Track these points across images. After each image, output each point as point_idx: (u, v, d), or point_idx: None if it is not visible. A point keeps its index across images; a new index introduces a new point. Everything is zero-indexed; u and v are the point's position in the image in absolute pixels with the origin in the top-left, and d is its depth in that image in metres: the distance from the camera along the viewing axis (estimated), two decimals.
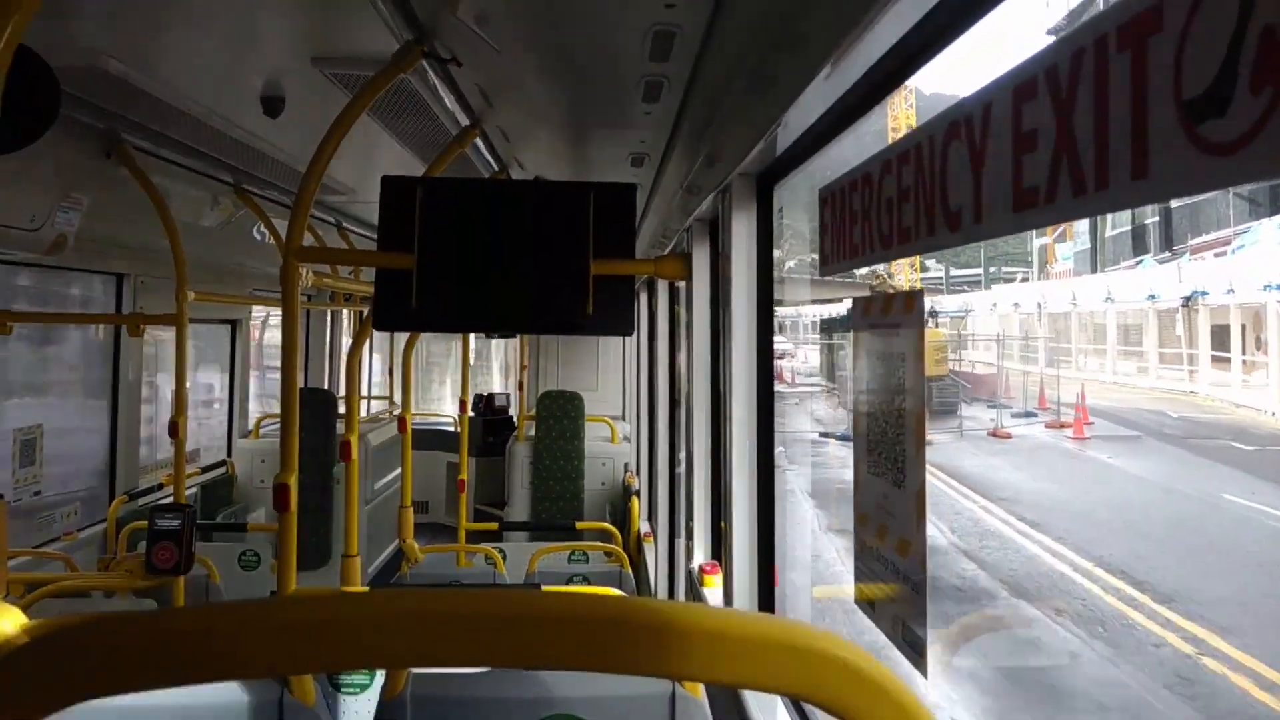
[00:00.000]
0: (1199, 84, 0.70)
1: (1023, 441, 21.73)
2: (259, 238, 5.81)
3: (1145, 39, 0.76)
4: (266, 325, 9.91)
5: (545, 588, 2.94)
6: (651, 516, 6.69)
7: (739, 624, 0.60)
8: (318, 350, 9.15)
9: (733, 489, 2.77)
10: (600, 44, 2.15)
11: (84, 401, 5.69)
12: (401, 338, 7.55)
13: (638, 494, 7.27)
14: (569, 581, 5.31)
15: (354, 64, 2.81)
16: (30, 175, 3.52)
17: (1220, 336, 24.16)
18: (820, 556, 13.04)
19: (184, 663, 0.55)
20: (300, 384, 2.82)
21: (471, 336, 7.57)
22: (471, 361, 7.18)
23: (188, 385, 4.47)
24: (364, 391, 10.44)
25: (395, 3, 2.14)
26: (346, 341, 9.69)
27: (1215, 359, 24.51)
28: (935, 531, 13.24)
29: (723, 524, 2.91)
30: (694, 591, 3.71)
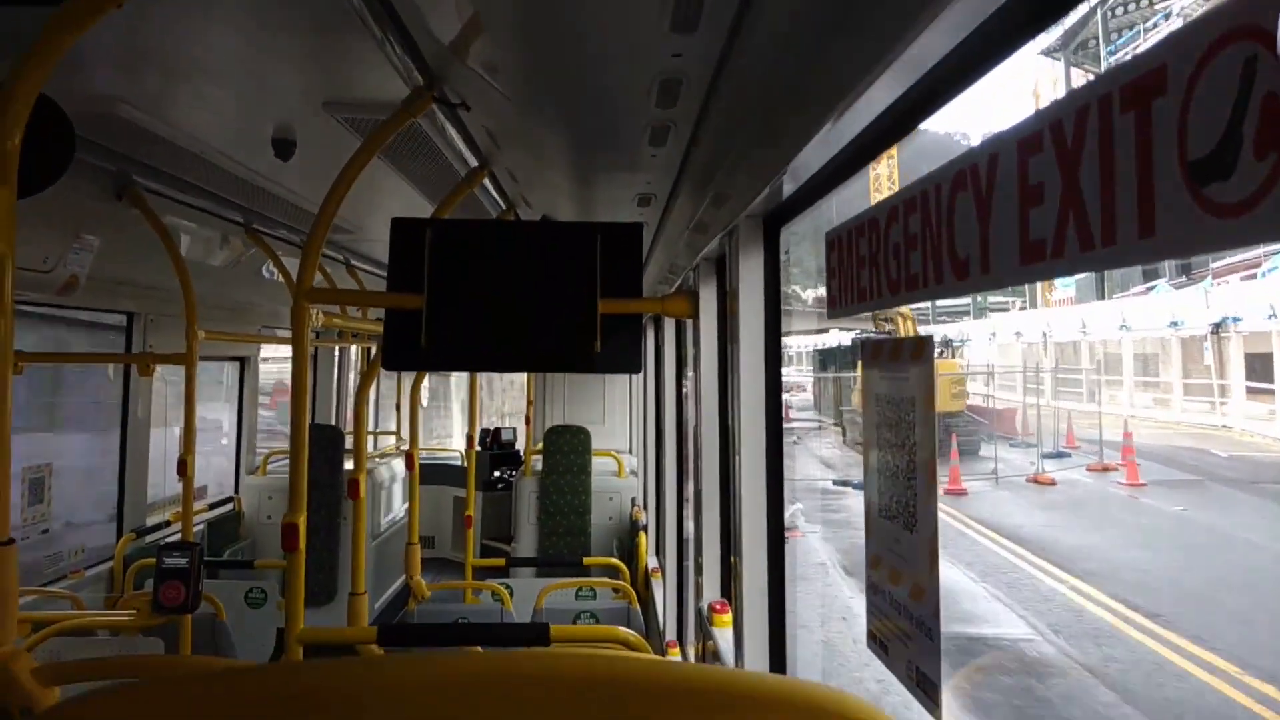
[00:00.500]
0: (1204, 147, 0.71)
1: (1070, 489, 19.06)
2: (268, 275, 5.86)
3: (1150, 100, 0.78)
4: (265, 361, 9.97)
5: (553, 626, 2.93)
6: (659, 552, 6.66)
7: (750, 685, 0.61)
8: (325, 387, 9.18)
9: (743, 526, 2.76)
10: (607, 90, 2.18)
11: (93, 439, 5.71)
12: (409, 374, 7.57)
13: (645, 529, 7.24)
14: (576, 619, 5.27)
15: (365, 109, 2.85)
16: (43, 217, 3.56)
17: (1256, 365, 22.04)
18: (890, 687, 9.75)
19: None
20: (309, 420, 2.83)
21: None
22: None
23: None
24: (371, 427, 10.45)
25: (406, 50, 2.18)
26: (353, 377, 9.72)
27: (1251, 390, 22.44)
28: (1028, 630, 10.48)
29: (733, 559, 2.90)
30: (704, 630, 3.68)
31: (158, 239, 3.97)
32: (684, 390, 5.85)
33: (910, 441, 1.47)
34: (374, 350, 7.73)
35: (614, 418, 9.47)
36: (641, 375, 8.12)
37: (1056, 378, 29.79)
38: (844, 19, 1.34)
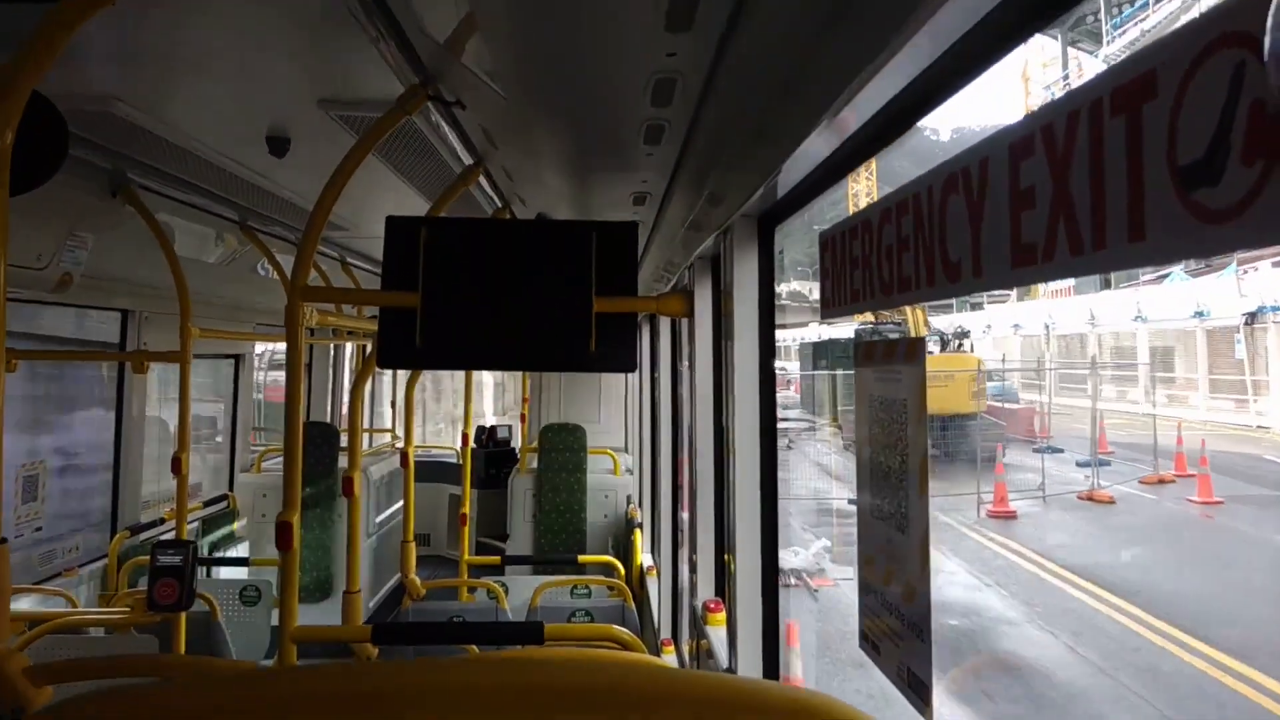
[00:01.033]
0: (1193, 152, 0.71)
1: (1136, 509, 16.03)
2: (263, 273, 5.85)
3: (1139, 105, 0.78)
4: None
5: (548, 625, 2.93)
6: (654, 550, 6.67)
7: (739, 691, 0.61)
8: (320, 384, 9.16)
9: (736, 524, 2.77)
10: (602, 89, 2.18)
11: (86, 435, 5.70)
12: (403, 372, 7.57)
13: (640, 527, 7.25)
14: (571, 617, 5.28)
15: (360, 106, 2.85)
16: (37, 215, 3.55)
17: None
18: None
19: None
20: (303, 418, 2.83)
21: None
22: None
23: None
24: (366, 424, 10.45)
25: (401, 48, 2.18)
26: (349, 375, 9.71)
27: None
28: None
29: (727, 558, 2.90)
30: (698, 629, 3.69)
31: (152, 236, 3.96)
32: (679, 389, 5.86)
33: (902, 442, 1.48)
34: (369, 348, 7.73)
35: (609, 416, 9.47)
36: (637, 374, 8.12)
37: (1056, 373, 27.68)
38: (838, 18, 1.34)
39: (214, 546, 6.92)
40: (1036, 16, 1.07)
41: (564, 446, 7.99)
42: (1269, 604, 10.74)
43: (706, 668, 3.30)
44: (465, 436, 6.67)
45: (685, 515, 4.95)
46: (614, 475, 8.24)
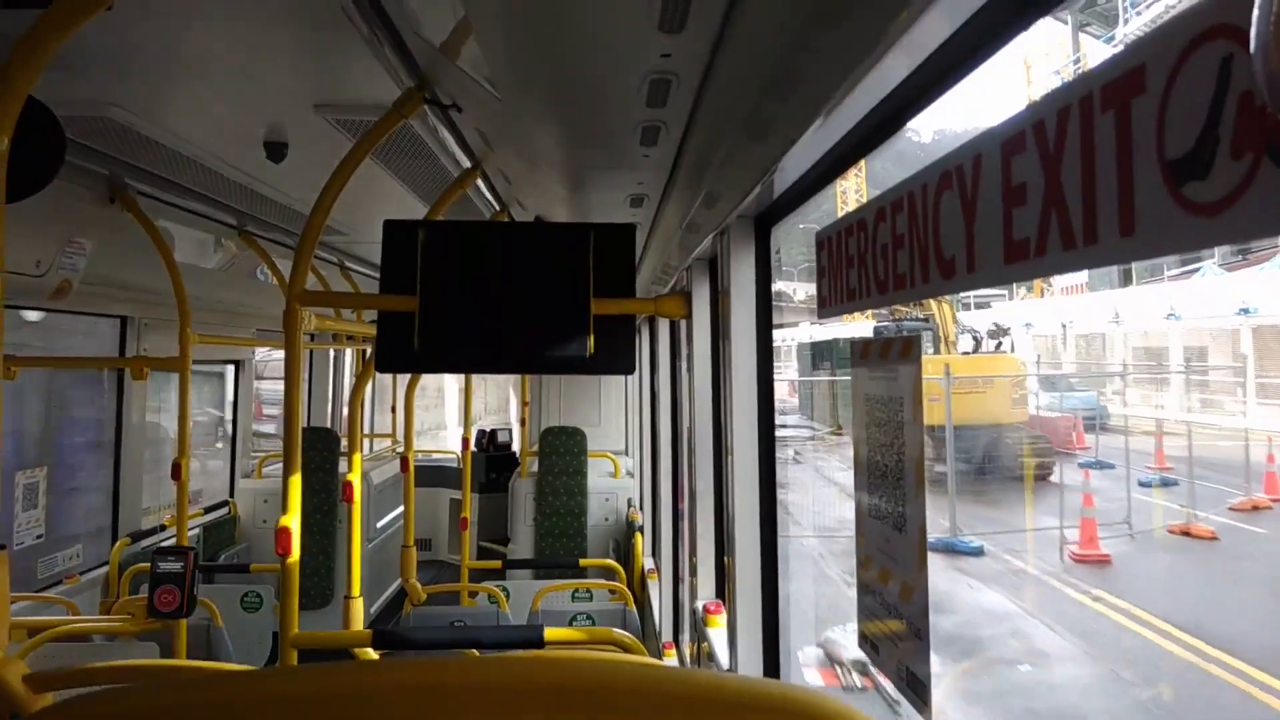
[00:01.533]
0: (1182, 146, 0.71)
1: (1249, 547, 12.86)
2: (262, 278, 5.85)
3: (1129, 100, 0.78)
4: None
5: (549, 629, 2.93)
6: (655, 553, 6.66)
7: (736, 690, 0.61)
8: (320, 389, 9.16)
9: (735, 526, 2.77)
10: (598, 91, 2.18)
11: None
12: (404, 376, 7.57)
13: (641, 530, 7.25)
14: (572, 621, 5.28)
15: (356, 110, 2.85)
16: (35, 221, 3.56)
17: None
18: None
19: None
20: (303, 423, 2.83)
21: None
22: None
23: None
24: (366, 429, 10.45)
25: (397, 51, 2.18)
26: (348, 379, 9.71)
27: None
28: None
29: (727, 560, 2.90)
30: (698, 631, 3.68)
31: (150, 242, 3.96)
32: (678, 391, 5.86)
33: (899, 441, 1.48)
34: (368, 352, 7.73)
35: (609, 419, 9.46)
36: (636, 376, 8.12)
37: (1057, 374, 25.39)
38: (831, 15, 1.34)
39: (215, 553, 6.92)
40: (1031, 10, 1.07)
41: (564, 450, 7.99)
42: None
43: (707, 670, 3.30)
44: (465, 440, 6.67)
45: (685, 517, 4.95)
46: (614, 478, 8.23)
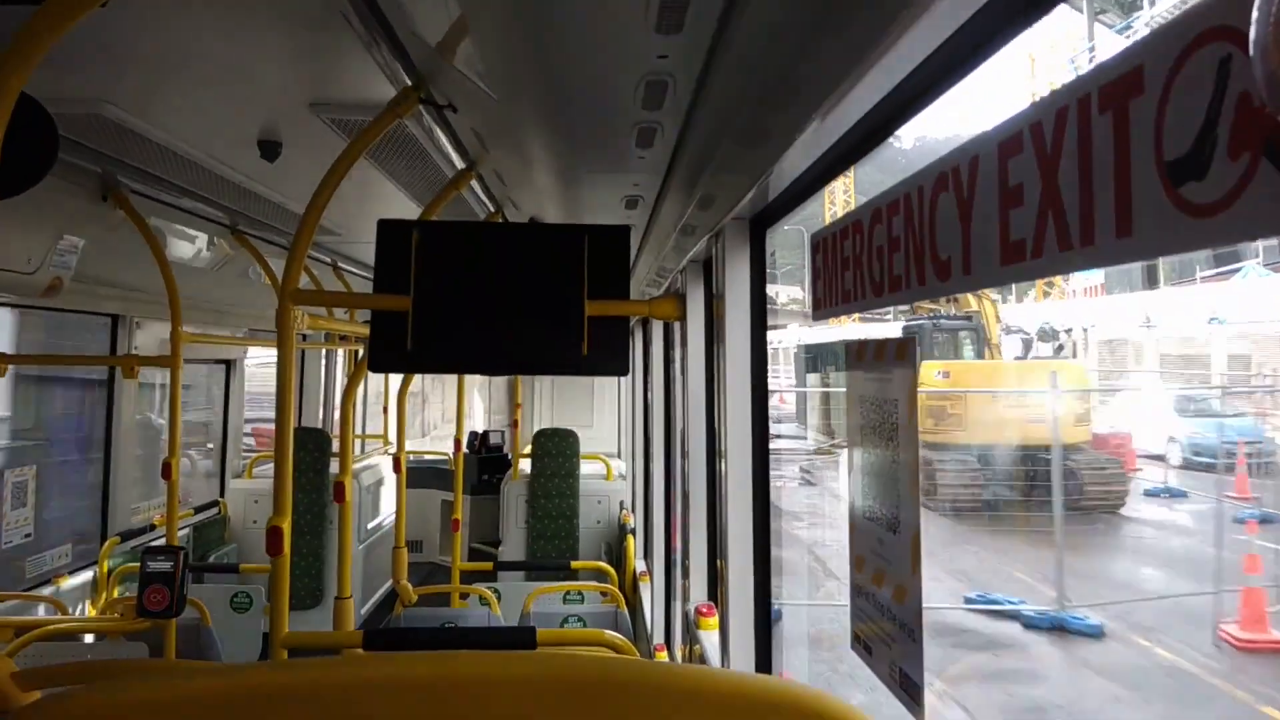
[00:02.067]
0: (1180, 147, 0.71)
1: None
2: (254, 278, 5.83)
3: (1126, 101, 0.78)
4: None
5: (540, 630, 2.93)
6: (648, 555, 6.66)
7: (731, 684, 0.60)
8: (312, 390, 9.14)
9: (729, 528, 2.76)
10: (593, 92, 2.18)
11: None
12: (396, 376, 7.55)
13: (633, 532, 7.24)
14: (564, 623, 5.27)
15: (351, 110, 2.85)
16: (27, 219, 3.54)
17: None
18: None
19: None
20: (294, 423, 2.82)
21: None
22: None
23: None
24: (358, 430, 10.42)
25: (392, 51, 2.18)
26: (341, 380, 9.68)
27: None
28: None
29: (719, 562, 2.90)
30: (690, 634, 3.68)
31: (143, 241, 3.95)
32: (672, 393, 5.86)
33: (894, 443, 1.48)
34: (361, 353, 7.71)
35: (602, 421, 9.45)
36: (630, 378, 8.11)
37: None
38: (828, 18, 1.34)
39: (205, 552, 6.89)
40: (1026, 13, 1.07)
41: (557, 452, 7.98)
42: None
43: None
44: (458, 442, 6.66)
45: (678, 520, 4.94)
46: (607, 480, 8.23)
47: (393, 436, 8.99)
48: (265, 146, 3.24)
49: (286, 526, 2.60)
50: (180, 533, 5.40)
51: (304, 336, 7.31)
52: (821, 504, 16.09)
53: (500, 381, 12.63)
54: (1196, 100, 0.69)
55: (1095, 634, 10.59)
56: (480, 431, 10.51)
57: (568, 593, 6.00)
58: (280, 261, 4.46)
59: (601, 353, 2.36)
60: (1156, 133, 0.74)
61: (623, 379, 8.57)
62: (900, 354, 1.44)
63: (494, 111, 2.49)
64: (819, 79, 1.43)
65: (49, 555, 5.18)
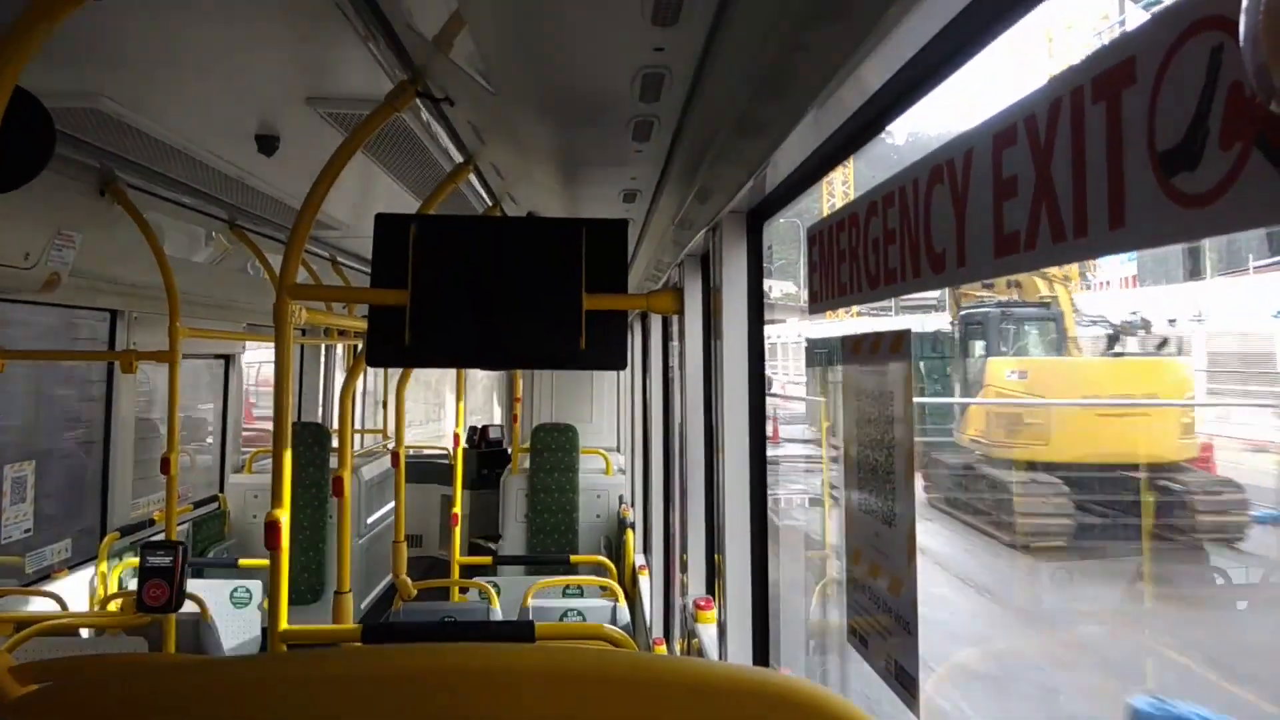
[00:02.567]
0: (1171, 137, 0.71)
1: None
2: (253, 273, 5.83)
3: (1119, 91, 0.78)
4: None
5: (539, 624, 2.93)
6: (647, 549, 6.67)
7: (729, 678, 0.61)
8: (311, 384, 9.14)
9: (726, 522, 2.77)
10: (591, 85, 2.18)
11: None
12: (395, 371, 7.55)
13: (632, 526, 7.25)
14: (563, 617, 5.27)
15: (348, 103, 2.84)
16: (24, 213, 3.53)
17: None
18: None
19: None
20: (294, 418, 2.82)
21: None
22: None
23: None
24: (357, 425, 10.42)
25: (389, 44, 2.17)
26: (340, 374, 9.68)
27: None
28: None
29: (717, 556, 2.90)
30: (689, 627, 3.69)
31: (141, 235, 3.94)
32: (670, 387, 5.86)
33: (889, 437, 1.48)
34: (360, 347, 7.71)
35: (601, 416, 9.46)
36: (629, 373, 8.12)
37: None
38: (824, 8, 1.34)
39: (204, 548, 6.90)
40: (1016, 8, 1.07)
41: (556, 446, 7.98)
42: None
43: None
44: (457, 436, 6.66)
45: (677, 514, 4.95)
46: (606, 475, 8.23)
47: (392, 431, 9.00)
48: (262, 140, 3.23)
49: (285, 519, 2.61)
50: (180, 528, 5.41)
51: (303, 331, 7.31)
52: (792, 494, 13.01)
53: (499, 376, 12.61)
54: (1188, 91, 0.69)
55: None
56: (480, 426, 10.52)
57: (567, 587, 6.01)
58: (278, 256, 4.46)
59: (600, 347, 2.36)
60: (1149, 123, 0.74)
61: (621, 373, 8.57)
62: (895, 347, 1.44)
63: (491, 105, 2.49)
64: (815, 70, 1.43)
65: (49, 550, 5.18)
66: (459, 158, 3.26)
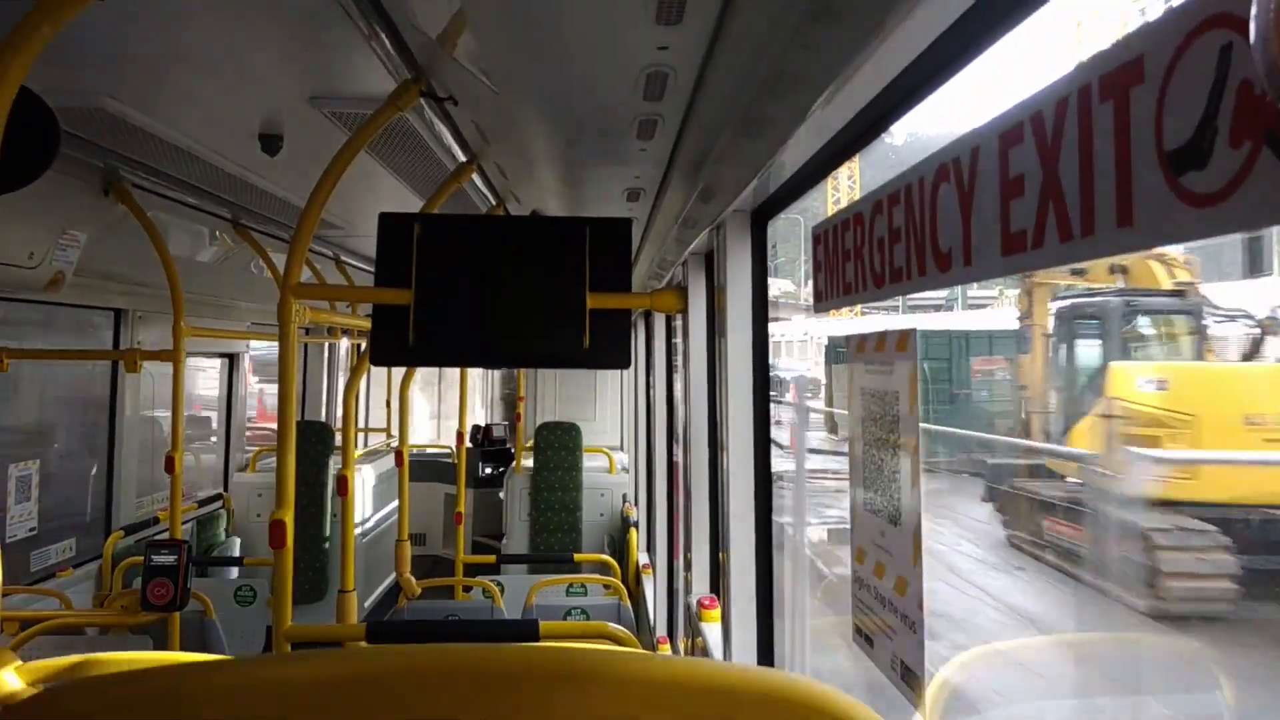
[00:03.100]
0: (1180, 136, 0.71)
1: None
2: (256, 272, 5.84)
3: (1127, 90, 0.78)
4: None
5: (543, 623, 2.93)
6: (650, 548, 6.67)
7: (736, 678, 0.60)
8: (315, 384, 9.14)
9: (730, 521, 2.77)
10: (594, 84, 2.18)
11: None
12: (398, 370, 7.56)
13: (636, 525, 7.25)
14: (567, 616, 5.28)
15: (352, 103, 2.84)
16: (29, 213, 3.54)
17: None
18: None
19: None
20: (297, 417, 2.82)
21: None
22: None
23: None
24: (361, 424, 10.43)
25: (393, 43, 2.17)
26: (343, 374, 9.69)
27: None
28: None
29: (721, 555, 2.90)
30: (693, 626, 3.69)
31: (145, 235, 3.95)
32: (674, 386, 5.86)
33: (895, 435, 1.48)
34: (363, 346, 7.71)
35: (605, 414, 9.45)
36: (632, 371, 8.11)
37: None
38: (828, 9, 1.33)
39: (209, 546, 6.91)
40: (1023, 7, 1.07)
41: (559, 445, 7.98)
42: None
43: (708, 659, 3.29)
44: (460, 435, 6.67)
45: (680, 512, 4.95)
46: (610, 474, 8.23)
47: (396, 430, 9.01)
48: (266, 140, 3.23)
49: (289, 519, 2.61)
50: (184, 526, 5.42)
51: (306, 330, 7.32)
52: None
53: (493, 376, 12.60)
54: (1197, 89, 0.69)
55: None
56: (483, 425, 10.53)
57: (571, 585, 6.01)
58: (282, 255, 4.46)
59: (603, 346, 2.37)
60: (1157, 122, 0.74)
61: (625, 372, 8.57)
62: (901, 345, 1.44)
63: (495, 104, 2.49)
64: (820, 68, 1.42)
65: (53, 549, 5.19)
66: (462, 157, 3.26)
